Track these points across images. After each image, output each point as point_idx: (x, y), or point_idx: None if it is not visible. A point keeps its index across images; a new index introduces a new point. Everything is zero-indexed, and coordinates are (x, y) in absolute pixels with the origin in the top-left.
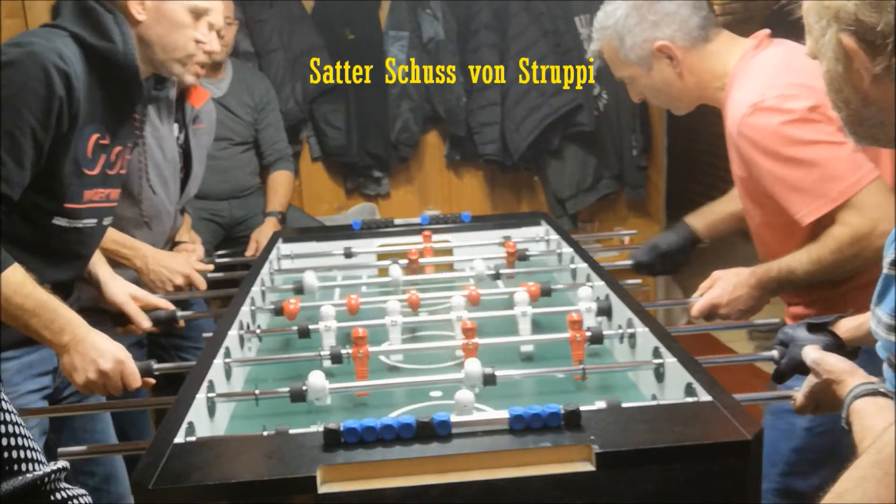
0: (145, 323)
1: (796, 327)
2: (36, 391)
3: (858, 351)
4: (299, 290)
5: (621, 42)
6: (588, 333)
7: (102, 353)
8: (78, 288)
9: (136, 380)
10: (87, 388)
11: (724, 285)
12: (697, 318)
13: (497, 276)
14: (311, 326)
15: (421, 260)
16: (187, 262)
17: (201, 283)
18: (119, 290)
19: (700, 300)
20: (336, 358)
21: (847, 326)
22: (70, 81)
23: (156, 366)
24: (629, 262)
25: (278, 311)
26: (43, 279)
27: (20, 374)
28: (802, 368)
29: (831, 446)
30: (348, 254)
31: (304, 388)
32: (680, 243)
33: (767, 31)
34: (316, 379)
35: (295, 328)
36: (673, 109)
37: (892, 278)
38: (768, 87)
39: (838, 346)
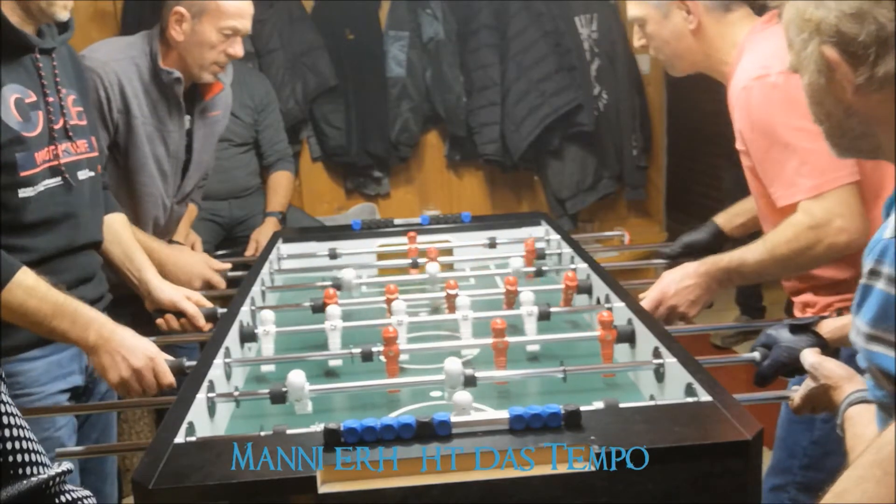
0: (202, 320)
1: (779, 328)
2: (66, 391)
3: (839, 352)
4: (337, 286)
5: None
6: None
7: (132, 350)
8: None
9: (168, 376)
10: (122, 388)
11: (671, 277)
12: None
13: (540, 273)
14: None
15: (405, 261)
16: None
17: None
18: (174, 290)
19: (647, 297)
20: (367, 356)
21: (830, 327)
22: None
23: (187, 363)
24: (663, 261)
25: (317, 307)
26: (40, 254)
27: (48, 373)
28: (786, 371)
29: None
30: (333, 255)
31: (285, 388)
32: (708, 241)
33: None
34: (296, 378)
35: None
36: (671, 68)
37: (870, 288)
38: (772, 58)
39: (822, 346)
